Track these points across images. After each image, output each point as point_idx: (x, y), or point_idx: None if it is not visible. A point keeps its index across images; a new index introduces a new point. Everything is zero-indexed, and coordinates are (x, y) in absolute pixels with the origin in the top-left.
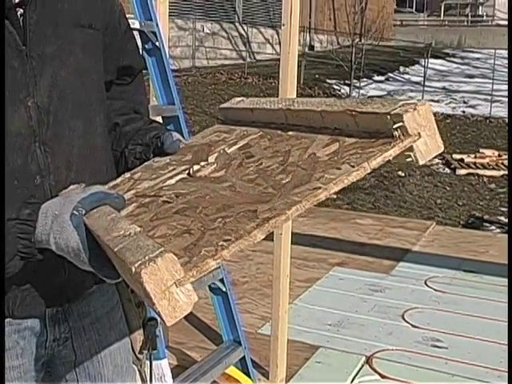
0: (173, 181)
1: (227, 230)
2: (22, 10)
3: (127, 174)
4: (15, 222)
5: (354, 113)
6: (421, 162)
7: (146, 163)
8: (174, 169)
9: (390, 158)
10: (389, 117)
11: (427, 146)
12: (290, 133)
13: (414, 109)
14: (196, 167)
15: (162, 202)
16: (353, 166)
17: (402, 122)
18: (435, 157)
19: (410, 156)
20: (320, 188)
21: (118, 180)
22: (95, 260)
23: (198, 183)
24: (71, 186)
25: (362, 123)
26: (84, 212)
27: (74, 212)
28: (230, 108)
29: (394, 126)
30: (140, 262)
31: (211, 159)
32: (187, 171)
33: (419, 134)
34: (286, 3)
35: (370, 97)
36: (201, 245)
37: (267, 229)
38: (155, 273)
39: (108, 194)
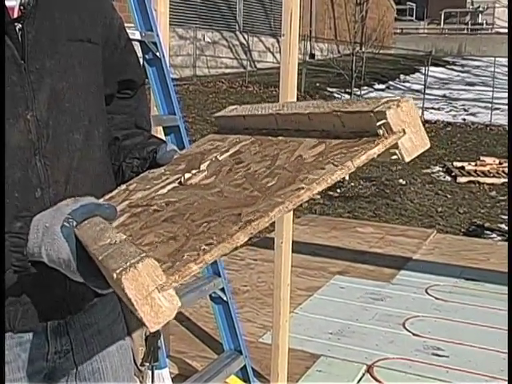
0: (165, 190)
1: (211, 234)
2: (20, 25)
3: (123, 186)
4: (7, 236)
5: (339, 113)
6: (406, 159)
7: (141, 174)
8: (167, 178)
9: (375, 156)
10: (372, 114)
11: (412, 143)
12: (280, 137)
13: (397, 105)
14: (187, 175)
15: (153, 210)
16: (336, 166)
17: (386, 118)
18: (436, 164)
19: (395, 153)
20: (303, 188)
21: (114, 192)
22: (85, 270)
23: (188, 191)
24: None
25: (347, 123)
26: (75, 223)
27: (65, 224)
28: (224, 116)
29: (378, 124)
30: (121, 268)
31: (203, 167)
32: (179, 180)
33: (404, 130)
34: (285, 13)
35: None
36: (184, 250)
37: (250, 231)
38: (136, 278)
39: (99, 205)
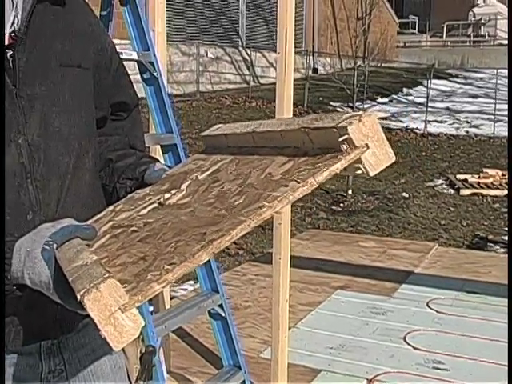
0: (145, 210)
1: (175, 254)
2: (11, 52)
3: (110, 207)
4: None
5: (306, 130)
6: (371, 174)
7: (129, 195)
8: (150, 199)
9: (338, 172)
10: (335, 130)
11: (377, 157)
12: (256, 155)
13: (359, 120)
14: (167, 195)
15: (131, 231)
16: (299, 183)
17: (347, 134)
18: (439, 177)
19: (359, 168)
20: (264, 206)
21: (102, 214)
22: (62, 292)
23: (165, 211)
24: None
25: (315, 139)
26: (56, 246)
27: (45, 247)
28: (208, 136)
29: (340, 139)
30: (85, 289)
31: (183, 187)
32: (159, 200)
33: (367, 145)
34: (280, 32)
35: None
36: (149, 270)
37: (212, 250)
38: (98, 299)
39: (78, 227)
